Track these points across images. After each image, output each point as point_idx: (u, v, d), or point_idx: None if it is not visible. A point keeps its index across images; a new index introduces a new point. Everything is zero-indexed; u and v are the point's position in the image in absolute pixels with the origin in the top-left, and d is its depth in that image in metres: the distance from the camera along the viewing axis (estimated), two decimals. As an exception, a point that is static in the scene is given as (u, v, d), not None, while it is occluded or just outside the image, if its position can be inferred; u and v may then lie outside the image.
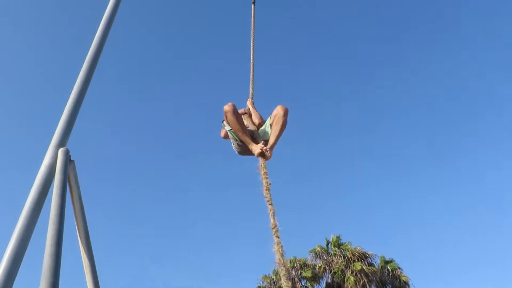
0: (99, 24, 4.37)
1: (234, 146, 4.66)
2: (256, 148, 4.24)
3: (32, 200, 2.86)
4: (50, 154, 3.20)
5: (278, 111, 4.39)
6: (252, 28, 5.18)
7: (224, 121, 4.61)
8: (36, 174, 3.11)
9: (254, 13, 5.27)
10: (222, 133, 4.87)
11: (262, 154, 4.19)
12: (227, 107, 4.37)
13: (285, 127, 4.36)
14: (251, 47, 5.13)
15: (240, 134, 4.38)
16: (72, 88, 3.77)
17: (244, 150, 4.55)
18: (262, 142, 4.36)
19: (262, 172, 4.03)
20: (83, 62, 4.00)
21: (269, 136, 4.45)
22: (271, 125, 4.47)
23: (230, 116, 4.35)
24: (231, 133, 4.60)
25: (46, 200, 2.99)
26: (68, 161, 3.18)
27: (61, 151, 3.20)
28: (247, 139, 4.36)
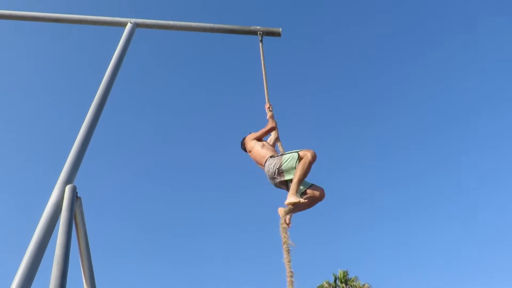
0: (109, 62, 4.49)
1: (270, 168, 4.34)
2: (293, 199, 3.97)
3: (37, 239, 2.82)
4: (57, 192, 3.20)
5: (319, 195, 4.24)
6: (263, 69, 5.27)
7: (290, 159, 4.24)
8: (39, 211, 3.09)
9: (262, 51, 5.39)
10: (258, 155, 4.60)
11: (289, 216, 4.03)
12: (315, 156, 4.11)
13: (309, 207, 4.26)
14: (264, 84, 5.23)
15: (300, 179, 4.07)
16: (81, 125, 3.82)
17: (274, 180, 4.36)
18: (301, 200, 4.05)
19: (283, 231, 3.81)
20: (93, 99, 4.08)
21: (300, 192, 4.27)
22: (304, 192, 4.27)
23: (311, 163, 4.09)
24: (284, 164, 4.24)
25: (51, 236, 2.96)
26: (75, 198, 3.18)
27: (68, 188, 3.20)
28: (297, 187, 4.07)
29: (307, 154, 4.10)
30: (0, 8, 5.12)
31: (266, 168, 4.43)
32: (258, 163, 4.65)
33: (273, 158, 4.40)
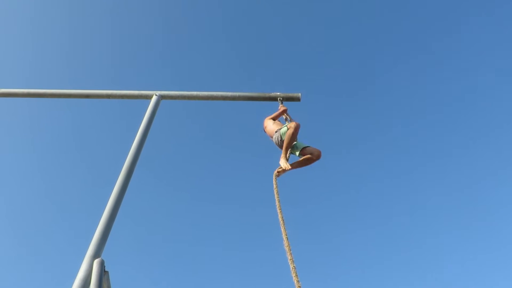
0: (135, 133, 4.59)
1: (275, 139, 5.52)
2: (283, 163, 5.10)
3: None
4: (85, 266, 3.10)
5: (315, 155, 5.22)
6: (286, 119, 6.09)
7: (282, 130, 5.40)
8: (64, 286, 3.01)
9: (286, 117, 5.92)
10: (270, 130, 5.70)
11: (281, 169, 5.05)
12: (298, 127, 5.19)
13: (307, 165, 5.29)
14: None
15: (287, 146, 5.19)
16: (108, 197, 3.82)
17: (280, 147, 5.44)
18: (290, 166, 5.15)
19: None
20: (120, 171, 4.12)
21: (296, 153, 5.39)
22: (301, 153, 5.31)
23: (294, 133, 5.16)
24: (282, 135, 5.38)
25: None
26: (103, 272, 3.10)
27: (96, 263, 3.12)
28: (286, 152, 5.22)
29: (291, 126, 5.18)
30: (34, 87, 5.42)
31: (274, 139, 5.56)
32: (270, 136, 5.71)
33: (278, 132, 5.48)
